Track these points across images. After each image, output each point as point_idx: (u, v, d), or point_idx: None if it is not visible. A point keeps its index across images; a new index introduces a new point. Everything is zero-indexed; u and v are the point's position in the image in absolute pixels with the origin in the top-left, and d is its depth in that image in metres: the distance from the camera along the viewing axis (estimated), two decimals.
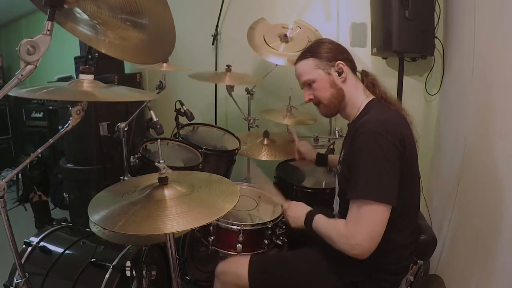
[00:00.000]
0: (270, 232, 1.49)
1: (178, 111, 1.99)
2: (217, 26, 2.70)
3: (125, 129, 1.68)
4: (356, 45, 2.20)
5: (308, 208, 1.28)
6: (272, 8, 2.50)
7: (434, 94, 2.06)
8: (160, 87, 1.76)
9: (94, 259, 1.42)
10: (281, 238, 1.54)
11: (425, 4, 1.79)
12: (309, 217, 1.22)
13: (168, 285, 1.69)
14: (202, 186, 1.11)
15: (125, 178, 1.65)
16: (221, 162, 1.98)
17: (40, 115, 3.76)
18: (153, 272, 1.44)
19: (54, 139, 1.08)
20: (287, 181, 1.83)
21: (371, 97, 1.25)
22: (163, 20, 1.05)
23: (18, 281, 1.04)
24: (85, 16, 1.02)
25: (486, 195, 1.37)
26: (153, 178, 1.10)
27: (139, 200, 1.03)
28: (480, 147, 1.46)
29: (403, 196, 1.08)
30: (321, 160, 1.74)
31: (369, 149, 1.05)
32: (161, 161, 1.07)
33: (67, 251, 1.52)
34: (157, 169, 1.07)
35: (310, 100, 1.31)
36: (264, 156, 1.97)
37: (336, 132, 1.93)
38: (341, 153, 1.30)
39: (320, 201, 1.72)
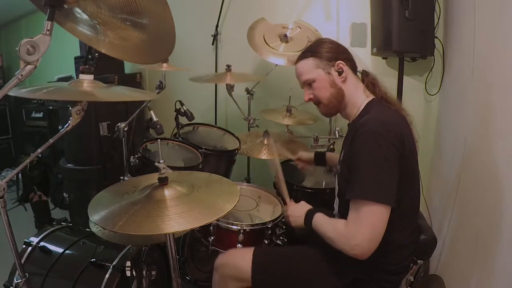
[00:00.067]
0: (270, 232, 1.49)
1: (178, 111, 1.99)
2: (217, 26, 2.70)
3: (125, 129, 1.68)
4: (356, 45, 2.20)
5: (308, 207, 1.28)
6: (272, 8, 2.50)
7: (434, 94, 2.06)
8: (160, 87, 1.76)
9: (94, 259, 1.42)
10: (281, 238, 1.54)
11: (425, 4, 1.79)
12: (309, 216, 1.22)
13: (168, 285, 1.69)
14: (202, 186, 1.11)
15: (125, 178, 1.65)
16: (221, 162, 1.98)
17: (40, 115, 3.76)
18: (153, 272, 1.44)
19: (54, 139, 1.08)
20: (287, 181, 1.81)
21: (371, 97, 1.25)
22: (163, 20, 1.05)
23: (18, 281, 1.04)
24: (85, 16, 1.02)
25: (486, 195, 1.37)
26: (153, 178, 1.10)
27: (139, 200, 1.03)
28: (480, 147, 1.46)
29: (403, 196, 1.08)
30: (319, 159, 1.74)
31: (369, 150, 1.05)
32: (161, 161, 1.07)
33: (67, 251, 1.52)
34: (157, 169, 1.07)
35: (310, 99, 1.31)
36: (264, 155, 1.97)
37: (336, 132, 1.93)
38: (341, 153, 1.30)
39: (320, 201, 1.72)
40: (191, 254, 1.87)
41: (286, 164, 2.04)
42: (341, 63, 1.23)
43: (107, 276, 1.37)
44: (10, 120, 4.26)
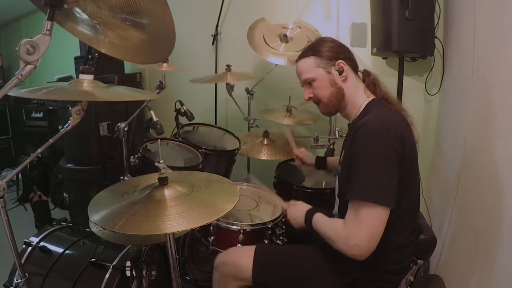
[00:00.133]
0: (270, 232, 1.49)
1: (178, 111, 1.99)
2: (217, 26, 2.70)
3: (125, 129, 1.68)
4: (356, 45, 2.20)
5: (308, 207, 1.28)
6: (272, 8, 2.50)
7: (434, 94, 2.06)
8: (160, 87, 1.77)
9: (94, 259, 1.42)
10: (281, 238, 1.54)
11: (425, 4, 1.79)
12: (309, 215, 1.22)
13: (168, 285, 1.69)
14: (202, 186, 1.11)
15: (125, 178, 1.65)
16: (221, 162, 1.98)
17: (40, 115, 3.76)
18: (153, 272, 1.44)
19: (54, 139, 1.08)
20: (287, 181, 1.83)
21: (372, 97, 1.25)
22: (163, 20, 1.05)
23: (18, 281, 1.04)
24: (85, 16, 1.02)
25: (486, 195, 1.37)
26: (153, 178, 1.10)
27: (139, 200, 1.03)
28: (480, 147, 1.46)
29: (403, 196, 1.08)
30: (320, 163, 1.74)
31: (369, 150, 1.04)
32: (161, 161, 1.07)
33: (67, 251, 1.52)
34: (157, 169, 1.07)
35: (310, 98, 1.31)
36: (264, 156, 1.97)
37: (336, 132, 1.93)
38: (341, 153, 1.30)
39: (320, 201, 1.72)
40: (191, 254, 1.87)
41: (286, 164, 2.04)
42: (341, 63, 1.23)
43: (107, 276, 1.37)
44: (10, 120, 4.26)
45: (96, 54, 1.59)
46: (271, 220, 1.49)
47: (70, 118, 1.01)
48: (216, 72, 2.79)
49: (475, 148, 1.50)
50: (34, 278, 1.42)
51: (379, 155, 1.03)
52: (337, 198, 1.32)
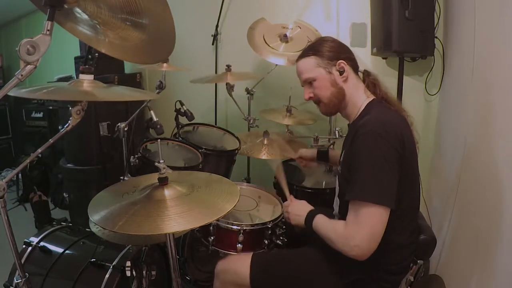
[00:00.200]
0: (270, 232, 1.49)
1: (178, 111, 1.99)
2: (217, 26, 2.70)
3: (125, 129, 1.68)
4: (356, 45, 2.20)
5: (310, 207, 1.27)
6: (272, 8, 2.50)
7: (434, 94, 2.06)
8: (160, 87, 1.77)
9: (94, 259, 1.42)
10: (281, 238, 1.54)
11: (425, 4, 1.79)
12: (310, 217, 1.22)
13: (168, 285, 1.69)
14: (202, 186, 1.11)
15: (125, 178, 1.65)
16: (221, 162, 1.98)
17: (40, 115, 3.76)
18: (153, 272, 1.44)
19: (54, 139, 1.08)
20: (287, 181, 1.82)
21: (372, 97, 1.25)
22: (163, 20, 1.05)
23: (18, 281, 1.04)
24: (85, 16, 1.02)
25: (486, 195, 1.37)
26: (153, 178, 1.10)
27: (139, 200, 1.03)
28: (480, 147, 1.46)
29: (403, 196, 1.08)
30: (322, 155, 1.74)
31: (369, 150, 1.04)
32: (161, 161, 1.07)
33: (67, 251, 1.52)
34: (157, 169, 1.07)
35: (310, 98, 1.31)
36: (264, 156, 1.97)
37: (336, 132, 1.93)
38: (341, 154, 1.30)
39: (320, 201, 1.71)
40: (191, 254, 1.87)
41: (286, 164, 2.04)
42: (342, 63, 1.23)
43: (107, 276, 1.37)
44: (10, 120, 4.26)
45: (96, 54, 1.59)
46: (271, 220, 1.49)
47: (70, 118, 1.01)
48: (216, 72, 2.79)
49: (475, 148, 1.50)
50: (34, 278, 1.42)
51: (379, 155, 1.03)
52: (337, 199, 1.32)
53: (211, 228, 1.48)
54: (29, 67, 0.86)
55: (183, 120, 2.03)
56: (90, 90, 1.01)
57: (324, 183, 1.94)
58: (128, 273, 1.35)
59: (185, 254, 1.85)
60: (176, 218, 0.93)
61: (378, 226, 1.02)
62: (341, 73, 1.24)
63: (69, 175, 2.73)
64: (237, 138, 2.09)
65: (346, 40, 2.22)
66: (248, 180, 2.41)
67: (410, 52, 1.90)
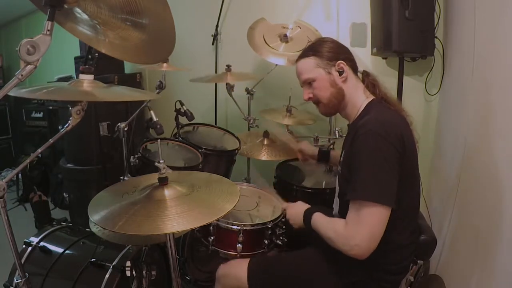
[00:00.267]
0: (270, 232, 1.49)
1: (178, 111, 1.99)
2: (217, 26, 2.70)
3: (125, 129, 1.68)
4: (356, 45, 2.20)
5: (306, 206, 1.28)
6: (272, 8, 2.50)
7: (434, 94, 2.06)
8: (160, 87, 1.76)
9: (94, 259, 1.42)
10: (281, 238, 1.54)
11: (425, 4, 1.79)
12: (307, 215, 1.22)
13: (168, 285, 1.69)
14: (202, 186, 1.11)
15: (125, 178, 1.65)
16: (221, 162, 1.98)
17: (40, 115, 3.76)
18: (153, 272, 1.44)
19: (54, 139, 1.08)
20: (287, 181, 1.83)
21: (371, 97, 1.25)
22: (163, 20, 1.05)
23: (18, 281, 1.04)
24: (85, 16, 1.02)
25: (486, 195, 1.37)
26: (153, 178, 1.10)
27: (139, 200, 1.03)
28: (480, 147, 1.46)
29: (403, 196, 1.08)
30: (323, 155, 1.74)
31: (369, 150, 1.05)
32: (161, 161, 1.07)
33: (67, 251, 1.52)
34: (157, 169, 1.07)
35: (309, 98, 1.31)
36: (264, 156, 1.97)
37: (336, 132, 1.93)
38: (341, 154, 1.30)
39: (320, 201, 1.71)
40: (191, 254, 1.87)
41: (286, 164, 2.04)
42: (341, 63, 1.23)
43: (107, 276, 1.37)
44: (10, 120, 4.26)
45: (96, 54, 1.59)
46: (271, 220, 1.49)
47: (70, 118, 1.01)
48: (216, 72, 2.79)
49: (475, 148, 1.50)
50: (34, 278, 1.42)
51: (379, 155, 1.03)
52: (337, 199, 1.32)
53: (211, 228, 1.47)
54: (29, 67, 0.86)
55: (183, 120, 2.03)
56: (90, 90, 1.01)
57: (324, 183, 1.94)
58: (128, 273, 1.35)
59: (185, 254, 1.85)
60: (176, 218, 0.93)
61: (378, 225, 1.02)
62: (340, 73, 1.24)
63: (69, 175, 2.73)
64: (237, 138, 2.09)
65: (346, 40, 2.23)
66: (248, 180, 2.41)
67: (410, 52, 1.90)
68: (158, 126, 1.68)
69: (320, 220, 1.19)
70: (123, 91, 1.17)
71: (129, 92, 1.18)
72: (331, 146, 2.00)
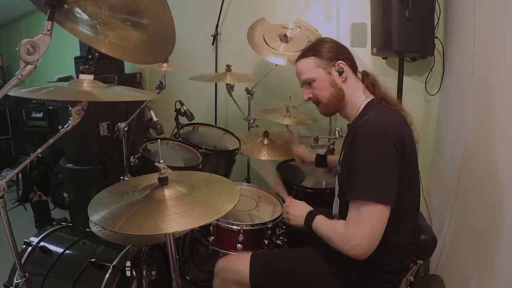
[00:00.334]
0: (270, 232, 1.49)
1: (178, 111, 1.99)
2: (217, 26, 2.70)
3: (125, 129, 1.68)
4: (356, 45, 2.20)
5: (309, 208, 1.27)
6: (272, 8, 2.50)
7: (434, 94, 2.06)
8: (160, 87, 1.77)
9: (94, 259, 1.42)
10: (281, 238, 1.54)
11: (425, 4, 1.79)
12: (310, 217, 1.22)
13: (168, 285, 1.69)
14: (202, 186, 1.11)
15: (125, 178, 1.65)
16: (221, 162, 1.98)
17: (40, 115, 3.76)
18: (153, 272, 1.44)
19: (54, 139, 1.08)
20: (287, 181, 1.82)
21: (371, 97, 1.25)
22: (163, 20, 1.05)
23: (18, 281, 1.04)
24: (85, 16, 1.02)
25: (486, 195, 1.37)
26: (153, 178, 1.10)
27: (139, 200, 1.03)
28: (480, 147, 1.46)
29: (403, 196, 1.08)
30: (320, 161, 1.74)
31: (368, 150, 1.05)
32: (161, 161, 1.07)
33: (67, 251, 1.52)
34: (157, 169, 1.07)
35: (309, 98, 1.31)
36: (264, 156, 1.97)
37: (336, 132, 1.93)
38: (341, 153, 1.30)
39: (320, 201, 1.72)
40: (191, 254, 1.87)
41: (286, 164, 2.04)
42: (341, 63, 1.23)
43: (107, 276, 1.37)
44: (10, 120, 4.26)
45: (96, 54, 1.59)
46: (271, 220, 1.49)
47: (70, 118, 1.01)
48: (216, 72, 2.79)
49: (475, 148, 1.50)
50: (34, 278, 1.42)
51: (379, 155, 1.03)
52: (337, 199, 1.32)
53: (211, 228, 1.48)
54: (29, 67, 0.86)
55: (183, 120, 2.03)
56: (90, 90, 1.01)
57: (324, 183, 1.94)
58: (128, 273, 1.35)
59: (185, 254, 1.85)
60: (176, 218, 0.93)
61: (378, 225, 1.02)
62: (340, 73, 1.24)
63: (69, 175, 2.73)
64: (237, 138, 2.09)
65: (346, 40, 2.23)
66: (248, 180, 2.41)
67: (410, 52, 1.90)
68: (158, 126, 1.68)
69: (321, 222, 1.18)
70: (123, 91, 1.17)
71: (129, 92, 1.18)
72: (331, 146, 2.01)
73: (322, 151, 2.03)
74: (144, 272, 1.41)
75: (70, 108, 1.00)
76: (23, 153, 3.97)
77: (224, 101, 2.81)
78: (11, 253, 1.02)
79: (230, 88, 2.11)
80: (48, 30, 0.87)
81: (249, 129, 2.30)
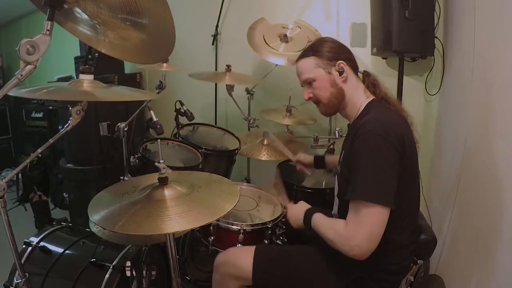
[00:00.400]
0: (270, 232, 1.49)
1: (178, 111, 1.99)
2: (217, 26, 2.70)
3: (125, 129, 1.68)
4: (356, 45, 2.20)
5: (307, 206, 1.28)
6: (272, 8, 2.50)
7: (434, 94, 2.06)
8: (160, 87, 1.76)
9: (94, 259, 1.42)
10: (281, 238, 1.54)
11: (425, 4, 1.79)
12: (308, 215, 1.22)
13: (168, 285, 1.69)
14: (202, 186, 1.11)
15: (125, 178, 1.65)
16: (221, 162, 1.98)
17: (40, 115, 3.76)
18: (153, 272, 1.44)
19: (54, 139, 1.08)
20: (287, 181, 1.82)
21: (371, 97, 1.25)
22: (163, 20, 1.05)
23: (18, 281, 1.04)
24: (85, 16, 1.02)
25: (486, 195, 1.37)
26: (153, 178, 1.10)
27: (139, 200, 1.03)
28: (480, 147, 1.46)
29: (403, 197, 1.08)
30: (319, 162, 1.74)
31: (369, 150, 1.04)
32: (161, 161, 1.07)
33: (67, 251, 1.52)
34: (157, 169, 1.07)
35: (309, 98, 1.31)
36: (264, 156, 1.97)
37: (336, 132, 1.93)
38: (341, 153, 1.30)
39: (320, 201, 1.72)
40: (191, 254, 1.87)
41: (286, 164, 2.04)
42: (342, 63, 1.23)
43: (107, 276, 1.37)
44: (10, 120, 4.26)
45: (96, 54, 1.59)
46: (271, 220, 1.49)
47: (70, 118, 1.01)
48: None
49: (475, 148, 1.50)
50: (34, 278, 1.42)
51: (379, 155, 1.03)
52: (336, 198, 1.32)
53: (211, 228, 1.48)
54: (29, 67, 0.86)
55: (183, 120, 2.03)
56: (90, 90, 1.01)
57: (324, 183, 1.94)
58: (128, 273, 1.35)
59: (185, 254, 1.85)
60: (176, 218, 0.93)
61: (378, 225, 1.02)
62: (340, 73, 1.24)
63: (69, 175, 2.73)
64: (237, 138, 2.09)
65: (346, 40, 2.23)
66: (248, 180, 2.41)
67: (410, 52, 1.90)
68: (158, 126, 1.68)
69: (320, 220, 1.19)
70: (123, 91, 1.17)
71: (129, 92, 1.18)
72: (331, 146, 2.00)
73: (322, 151, 2.04)
74: (144, 272, 1.41)
75: (70, 108, 1.00)
76: (23, 153, 3.97)
77: (224, 101, 2.81)
78: (11, 253, 1.02)
79: (230, 88, 2.11)
80: (48, 30, 0.87)
81: (249, 129, 2.30)
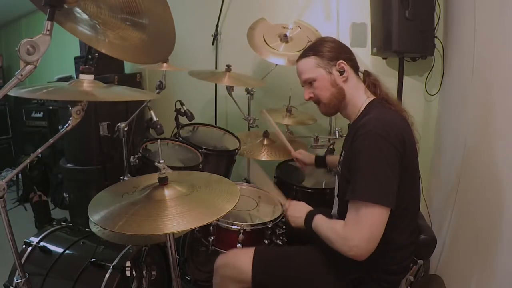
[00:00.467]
0: (270, 232, 1.49)
1: (178, 111, 1.99)
2: (217, 26, 2.70)
3: (125, 129, 1.68)
4: (356, 45, 2.20)
5: (309, 208, 1.27)
6: (272, 8, 2.50)
7: (434, 94, 2.06)
8: (160, 87, 1.76)
9: (94, 259, 1.42)
10: (281, 238, 1.54)
11: (425, 4, 1.79)
12: (309, 217, 1.22)
13: (168, 285, 1.69)
14: (202, 186, 1.11)
15: (125, 178, 1.65)
16: (221, 162, 1.98)
17: (40, 115, 3.76)
18: (153, 272, 1.44)
19: (54, 139, 1.08)
20: (287, 181, 1.83)
21: (372, 97, 1.25)
22: (163, 20, 1.05)
23: (18, 281, 1.04)
24: (85, 16, 1.02)
25: (486, 195, 1.37)
26: (153, 178, 1.10)
27: (139, 200, 1.03)
28: (480, 147, 1.46)
29: (403, 197, 1.08)
30: (320, 162, 1.74)
31: (369, 150, 1.04)
32: (161, 161, 1.07)
33: (67, 251, 1.52)
34: (157, 169, 1.07)
35: (310, 98, 1.31)
36: (264, 156, 1.97)
37: (336, 132, 1.93)
38: (341, 153, 1.30)
39: (320, 201, 1.72)
40: (191, 254, 1.87)
41: (286, 164, 2.04)
42: (342, 63, 1.23)
43: (107, 276, 1.37)
44: (10, 120, 4.26)
45: (96, 54, 1.59)
46: (271, 220, 1.49)
47: (70, 118, 1.01)
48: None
49: (475, 148, 1.50)
50: (34, 278, 1.42)
51: (379, 156, 1.03)
52: (336, 198, 1.32)
53: (211, 228, 1.48)
54: (29, 67, 0.86)
55: (183, 120, 2.03)
56: (90, 90, 1.01)
57: (324, 183, 1.94)
58: (128, 273, 1.35)
59: (185, 254, 1.85)
60: (176, 218, 0.93)
61: (377, 226, 1.02)
62: (341, 73, 1.23)
63: (69, 175, 2.73)
64: (237, 138, 2.09)
65: (346, 40, 2.21)
66: (248, 180, 2.41)
67: (410, 52, 1.90)
68: (158, 126, 1.68)
69: (321, 222, 1.18)
70: (123, 91, 1.17)
71: (129, 92, 1.18)
72: (331, 146, 2.00)
73: (322, 151, 2.04)
74: (144, 272, 1.41)
75: (70, 108, 1.00)
76: (23, 153, 3.97)
77: (224, 101, 2.82)
78: (11, 253, 1.02)
79: (230, 88, 2.11)
80: (48, 30, 0.87)
81: (249, 129, 2.30)
